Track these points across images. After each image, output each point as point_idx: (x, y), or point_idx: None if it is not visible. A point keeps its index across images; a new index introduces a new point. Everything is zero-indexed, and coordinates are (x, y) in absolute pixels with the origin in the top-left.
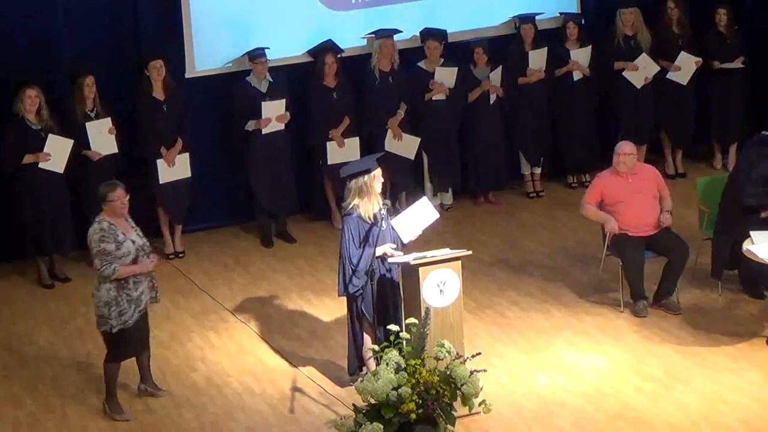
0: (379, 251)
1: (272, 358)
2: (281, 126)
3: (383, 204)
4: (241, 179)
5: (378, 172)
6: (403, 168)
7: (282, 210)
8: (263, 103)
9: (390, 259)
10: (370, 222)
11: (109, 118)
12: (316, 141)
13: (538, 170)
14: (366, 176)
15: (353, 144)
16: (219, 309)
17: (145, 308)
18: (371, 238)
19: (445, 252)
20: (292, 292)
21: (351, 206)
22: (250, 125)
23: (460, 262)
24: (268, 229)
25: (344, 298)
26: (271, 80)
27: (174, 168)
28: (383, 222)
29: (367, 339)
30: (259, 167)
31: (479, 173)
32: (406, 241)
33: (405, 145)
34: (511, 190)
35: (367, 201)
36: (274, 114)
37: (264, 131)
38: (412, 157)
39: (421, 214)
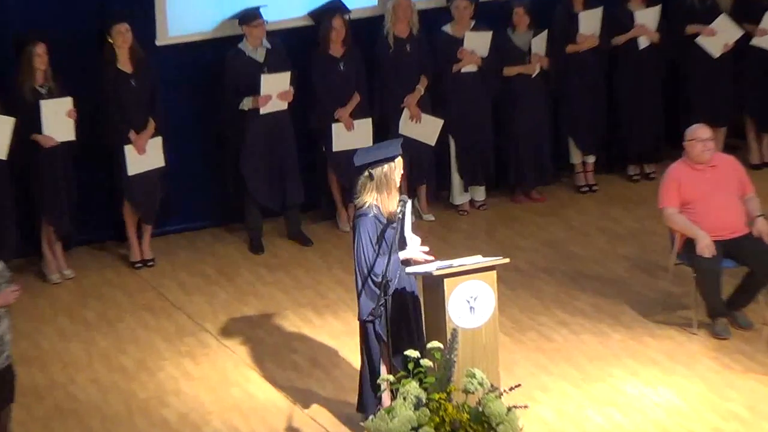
0: (406, 254)
1: (263, 391)
2: (283, 105)
3: (401, 201)
4: (229, 169)
5: (400, 161)
6: (422, 156)
7: (281, 205)
8: (262, 76)
9: (408, 269)
10: (384, 223)
11: (69, 98)
12: (319, 123)
13: (591, 159)
14: (388, 165)
15: (364, 127)
16: (197, 330)
17: (9, 350)
18: (386, 241)
19: (477, 260)
20: (287, 309)
21: (367, 204)
22: (246, 103)
23: (495, 272)
24: (258, 232)
25: (354, 317)
26: (269, 47)
27: (145, 156)
28: (398, 223)
29: (382, 367)
30: (254, 154)
31: (519, 163)
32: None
33: (424, 128)
34: (558, 184)
35: (387, 196)
36: (274, 89)
37: (262, 111)
38: (433, 143)
39: (407, 221)
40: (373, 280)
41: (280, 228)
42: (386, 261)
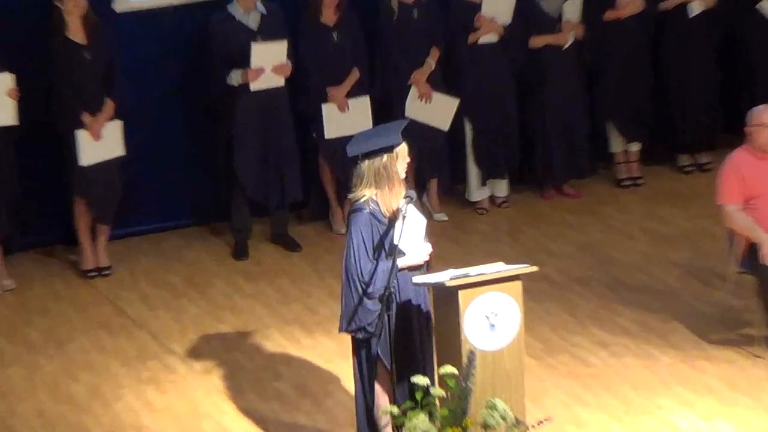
0: (405, 261)
1: (240, 426)
2: (279, 80)
3: (406, 196)
4: (210, 157)
5: (403, 149)
6: (432, 144)
7: (276, 201)
8: (252, 45)
9: (415, 279)
10: (384, 222)
11: (9, 75)
12: (309, 105)
13: (635, 147)
14: (387, 155)
15: (361, 107)
16: (162, 353)
17: None
18: (385, 245)
19: (499, 268)
20: (271, 327)
21: (363, 199)
22: (235, 78)
23: (520, 282)
24: (245, 234)
25: (349, 337)
26: (264, 12)
27: (101, 143)
28: (404, 221)
29: (383, 397)
30: (245, 139)
31: (548, 152)
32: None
33: (436, 110)
34: (595, 177)
35: (388, 191)
36: (269, 62)
37: (253, 86)
38: (446, 127)
39: (413, 223)
40: (365, 291)
41: (263, 229)
42: (384, 268)
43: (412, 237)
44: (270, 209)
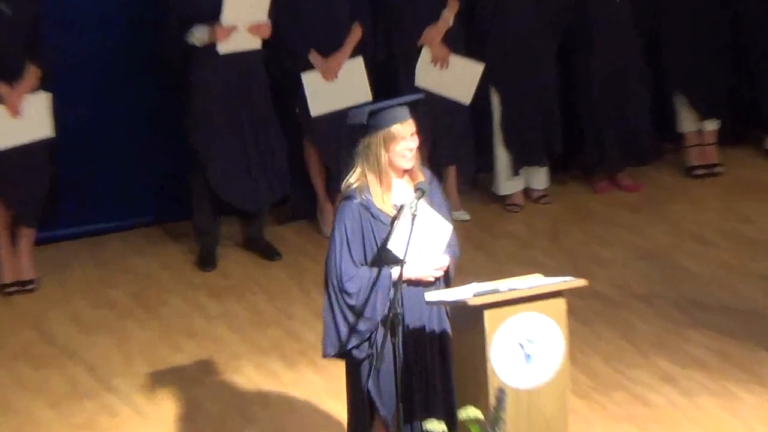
0: (411, 272)
1: None
2: (255, 42)
3: (417, 189)
4: (165, 139)
5: (406, 128)
6: (451, 121)
7: (256, 200)
8: None
9: (429, 296)
10: (387, 218)
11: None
12: (288, 73)
13: (711, 126)
14: (383, 132)
15: (353, 71)
16: (101, 390)
17: None
18: (376, 246)
19: (536, 281)
20: (242, 358)
21: (355, 184)
22: (197, 36)
23: (563, 300)
24: (211, 237)
25: (342, 368)
26: None
27: (21, 121)
28: (415, 219)
29: None
30: (209, 116)
31: (600, 133)
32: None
33: (454, 78)
34: (660, 164)
35: (377, 182)
36: (244, 18)
37: (221, 48)
38: (468, 100)
39: (425, 226)
40: (347, 303)
41: (233, 231)
42: (385, 277)
43: (424, 245)
44: (245, 210)
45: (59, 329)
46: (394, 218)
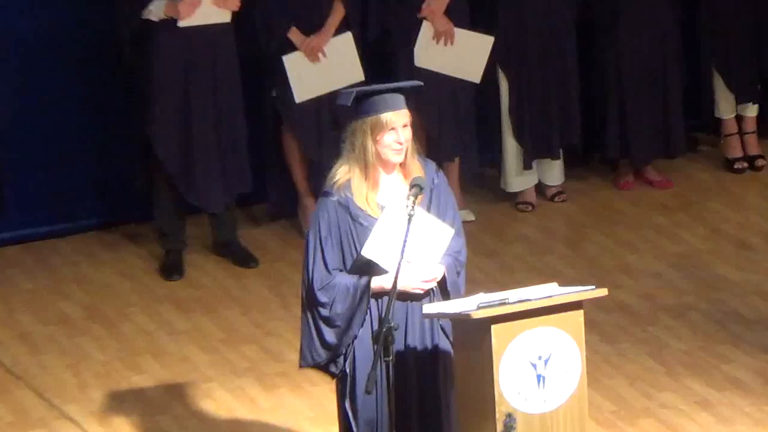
0: (404, 283)
1: None
2: (224, 15)
3: (413, 185)
4: (122, 127)
5: (398, 117)
6: (454, 107)
7: (214, 198)
8: None
9: (426, 308)
10: (369, 221)
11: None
12: (266, 53)
13: (753, 112)
14: (370, 119)
15: (342, 49)
16: (52, 418)
17: None
18: (355, 250)
19: (551, 291)
20: (213, 380)
21: (334, 179)
22: (155, 8)
23: (581, 313)
24: (176, 240)
25: (333, 393)
26: None
27: None
28: (408, 224)
29: None
30: (167, 101)
31: (625, 120)
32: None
33: (460, 55)
34: (693, 156)
35: (366, 173)
36: None
37: (183, 22)
38: (478, 78)
39: (418, 229)
40: (319, 313)
41: (201, 234)
42: (347, 284)
43: (416, 251)
44: (206, 209)
45: (3, 350)
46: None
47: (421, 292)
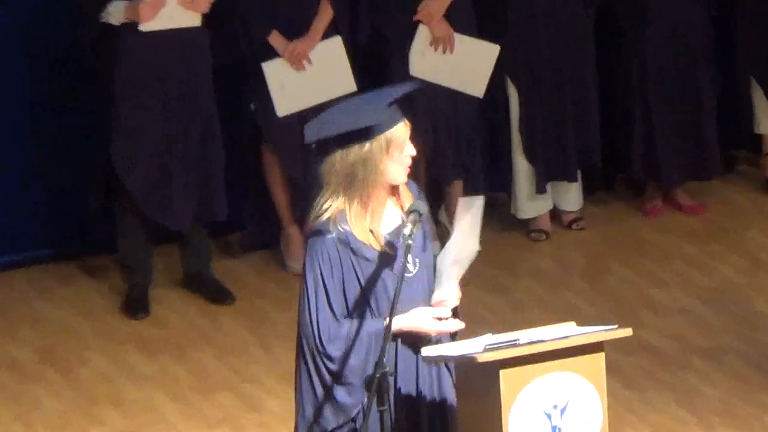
0: (408, 322)
1: None
2: (192, 19)
3: (411, 211)
4: (81, 146)
5: (400, 132)
6: (457, 123)
7: (183, 213)
8: None
9: (426, 351)
10: (373, 254)
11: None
12: (241, 58)
13: None
14: (369, 143)
15: (330, 55)
16: None
17: None
18: (378, 292)
19: (568, 331)
20: None
21: (326, 215)
22: (114, 12)
23: (602, 356)
24: (143, 273)
25: None
26: None
27: None
28: (410, 255)
29: None
30: (132, 116)
31: (651, 138)
32: (448, 293)
33: (461, 65)
34: (731, 179)
35: (360, 205)
36: None
37: (144, 26)
38: (480, 93)
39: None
40: (330, 371)
41: (170, 266)
42: (378, 332)
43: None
44: (179, 234)
45: None
46: (383, 256)
47: (435, 334)
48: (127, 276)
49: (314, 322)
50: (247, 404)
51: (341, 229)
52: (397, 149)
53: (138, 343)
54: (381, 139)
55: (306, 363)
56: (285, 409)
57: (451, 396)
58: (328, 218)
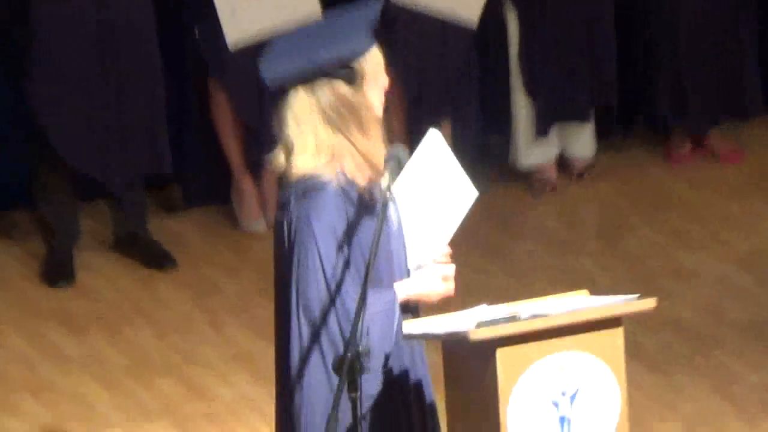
0: (417, 289)
1: None
2: None
3: (387, 164)
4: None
5: (374, 65)
6: (445, 57)
7: (124, 177)
8: None
9: (407, 327)
10: (361, 205)
11: None
12: None
13: None
14: (341, 77)
15: None
16: None
17: None
18: (360, 250)
19: (578, 303)
20: (115, 426)
21: (320, 163)
22: None
23: (621, 331)
24: (66, 234)
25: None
26: None
27: None
28: (389, 209)
29: None
30: (56, 58)
31: (679, 72)
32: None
33: None
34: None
35: (362, 143)
36: None
37: None
38: (474, 21)
39: (438, 175)
40: (359, 354)
41: (98, 225)
42: (390, 301)
43: (430, 213)
44: (113, 191)
45: None
46: (362, 203)
47: (442, 295)
48: (48, 236)
49: (334, 290)
50: (193, 392)
51: (344, 180)
52: (373, 81)
53: (61, 318)
54: (354, 70)
55: (315, 347)
56: (237, 398)
57: (427, 383)
58: (326, 165)
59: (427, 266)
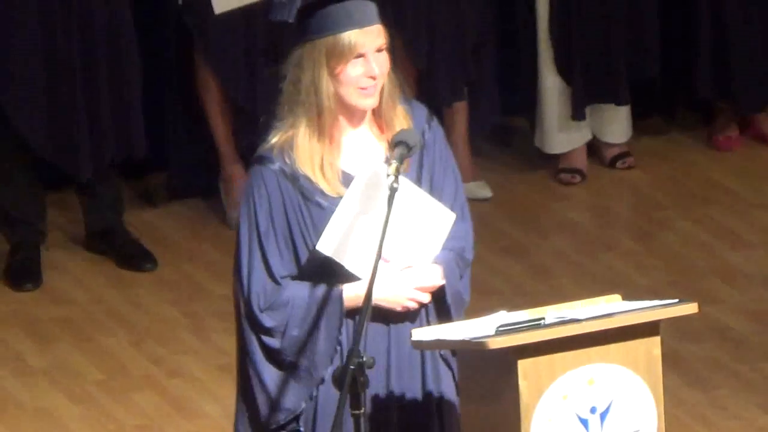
0: (389, 293)
1: None
2: None
3: (397, 143)
4: None
5: (368, 38)
6: (459, 26)
7: (93, 164)
8: None
9: (416, 334)
10: (326, 200)
11: None
12: None
13: None
14: (325, 42)
15: None
16: None
17: None
18: (307, 240)
19: (612, 308)
20: None
21: (273, 139)
22: None
23: (658, 340)
24: (31, 232)
25: None
26: None
27: None
28: (391, 200)
29: None
30: (15, 24)
31: (724, 47)
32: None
33: None
34: None
35: (321, 129)
36: None
37: None
38: None
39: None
40: (265, 345)
41: (69, 219)
42: (311, 298)
43: (404, 246)
44: (77, 178)
45: None
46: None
47: (414, 306)
48: (9, 233)
49: (246, 286)
50: (174, 407)
51: (287, 161)
52: (342, 64)
53: (26, 325)
54: (320, 46)
55: (240, 338)
56: (225, 414)
57: (451, 394)
58: (274, 145)
59: (412, 270)
